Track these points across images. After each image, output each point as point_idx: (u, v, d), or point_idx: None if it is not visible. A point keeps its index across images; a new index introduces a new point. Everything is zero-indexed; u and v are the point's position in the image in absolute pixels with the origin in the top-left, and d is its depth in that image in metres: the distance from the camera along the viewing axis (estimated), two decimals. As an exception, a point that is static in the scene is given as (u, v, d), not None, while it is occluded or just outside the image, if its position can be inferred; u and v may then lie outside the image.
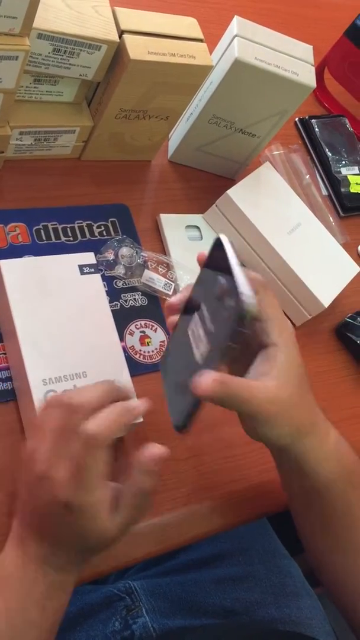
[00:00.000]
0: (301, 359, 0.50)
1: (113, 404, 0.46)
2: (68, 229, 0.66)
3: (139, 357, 0.63)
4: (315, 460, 0.50)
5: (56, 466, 0.43)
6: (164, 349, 0.64)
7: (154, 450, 0.45)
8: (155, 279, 0.66)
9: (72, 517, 0.43)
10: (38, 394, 0.52)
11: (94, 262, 0.60)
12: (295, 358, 0.49)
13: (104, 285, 0.62)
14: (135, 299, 0.66)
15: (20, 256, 0.62)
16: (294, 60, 0.66)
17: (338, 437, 0.52)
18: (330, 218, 0.84)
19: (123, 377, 0.57)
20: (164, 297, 0.67)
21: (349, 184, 0.88)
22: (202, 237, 0.73)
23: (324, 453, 0.50)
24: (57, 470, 0.43)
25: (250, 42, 0.65)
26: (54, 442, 0.44)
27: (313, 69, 0.68)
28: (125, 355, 0.58)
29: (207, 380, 0.43)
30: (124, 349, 0.62)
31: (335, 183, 0.88)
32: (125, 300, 0.65)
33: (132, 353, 0.63)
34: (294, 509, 0.56)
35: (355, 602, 0.53)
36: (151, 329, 0.65)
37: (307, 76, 0.67)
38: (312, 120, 0.91)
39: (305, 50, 0.68)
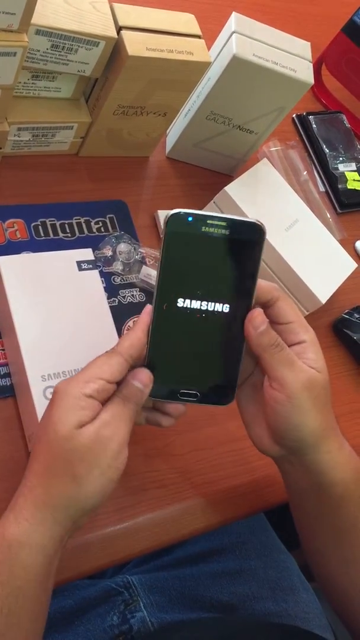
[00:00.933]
0: None
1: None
2: (66, 225, 0.66)
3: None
4: (334, 466, 0.48)
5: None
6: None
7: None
8: (153, 275, 0.66)
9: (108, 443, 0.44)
10: (37, 390, 0.52)
11: (92, 258, 0.60)
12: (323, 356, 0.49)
13: (102, 281, 0.62)
14: (133, 295, 0.66)
15: (19, 252, 0.62)
16: (291, 56, 0.67)
17: (350, 447, 0.51)
18: (328, 214, 0.85)
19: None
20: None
21: (346, 180, 0.88)
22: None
23: (342, 458, 0.49)
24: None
25: (249, 38, 0.65)
26: None
27: (311, 66, 0.68)
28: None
29: (260, 317, 0.46)
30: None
31: (332, 179, 0.88)
32: (123, 297, 0.65)
33: (130, 349, 0.63)
34: (304, 526, 0.54)
35: None
36: (149, 325, 0.65)
37: (305, 73, 0.67)
38: (310, 116, 0.91)
39: (303, 47, 0.69)
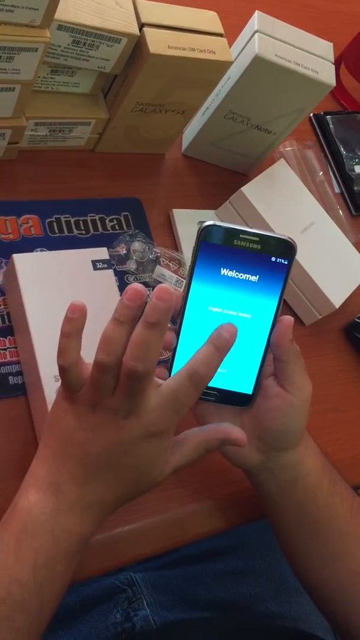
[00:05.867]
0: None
1: None
2: (80, 222, 0.66)
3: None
4: (309, 454, 0.53)
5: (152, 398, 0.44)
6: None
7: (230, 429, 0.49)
8: (167, 276, 0.66)
9: (151, 445, 0.45)
10: (49, 389, 0.52)
11: (107, 257, 0.60)
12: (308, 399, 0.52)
13: (116, 280, 0.62)
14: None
15: (33, 249, 0.62)
16: (314, 57, 0.66)
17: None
18: (343, 216, 0.84)
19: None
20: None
21: (362, 182, 0.88)
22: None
23: (310, 446, 0.54)
24: (157, 400, 0.44)
25: (271, 38, 0.64)
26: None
27: (333, 67, 0.67)
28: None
29: (291, 327, 0.48)
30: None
31: (348, 181, 0.87)
32: (137, 296, 0.65)
33: (142, 349, 0.62)
34: (282, 528, 0.56)
35: (345, 611, 0.54)
36: (161, 325, 0.65)
37: (327, 74, 0.66)
38: (327, 116, 0.90)
39: (325, 48, 0.68)
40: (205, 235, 0.46)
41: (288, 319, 0.49)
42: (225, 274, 0.47)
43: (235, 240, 0.46)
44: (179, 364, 0.49)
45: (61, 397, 0.47)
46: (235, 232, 0.46)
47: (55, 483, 0.45)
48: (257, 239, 0.46)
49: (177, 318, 0.49)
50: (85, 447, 0.45)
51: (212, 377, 0.45)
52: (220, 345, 0.45)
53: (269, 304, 0.48)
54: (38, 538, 0.44)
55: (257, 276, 0.47)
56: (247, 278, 0.47)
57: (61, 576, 0.45)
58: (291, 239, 0.47)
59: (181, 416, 0.45)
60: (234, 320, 0.48)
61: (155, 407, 0.44)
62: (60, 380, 0.53)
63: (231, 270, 0.47)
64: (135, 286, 0.44)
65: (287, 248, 0.47)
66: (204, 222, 0.46)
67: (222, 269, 0.47)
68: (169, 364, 0.49)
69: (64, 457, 0.46)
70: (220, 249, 0.46)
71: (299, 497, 0.53)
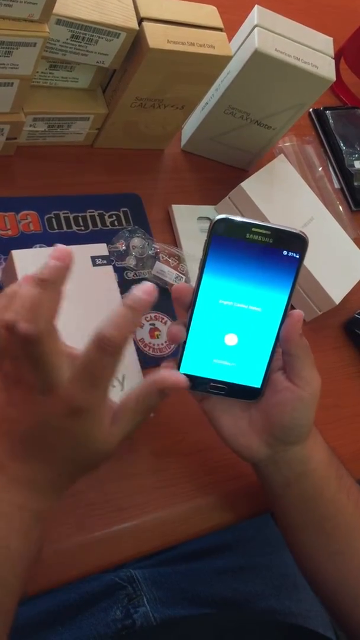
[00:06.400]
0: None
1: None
2: (80, 218, 0.66)
3: (149, 349, 0.62)
4: (317, 449, 0.53)
5: (65, 370, 0.42)
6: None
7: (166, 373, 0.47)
8: (166, 272, 0.66)
9: (78, 423, 0.42)
10: (49, 386, 0.52)
11: (107, 253, 0.60)
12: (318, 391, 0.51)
13: (115, 276, 0.61)
14: (145, 290, 0.65)
15: (31, 245, 0.62)
16: (313, 52, 0.65)
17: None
18: (342, 212, 0.84)
19: (133, 370, 0.57)
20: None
21: (361, 177, 0.87)
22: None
23: (318, 442, 0.53)
24: (70, 374, 0.41)
25: (271, 32, 0.63)
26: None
27: (333, 62, 0.66)
28: (134, 348, 0.58)
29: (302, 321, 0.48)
30: (134, 342, 0.61)
31: (347, 176, 0.87)
32: (136, 292, 0.65)
33: (142, 346, 0.62)
34: (289, 524, 0.56)
35: (351, 607, 0.54)
36: (161, 321, 0.64)
37: (327, 69, 0.65)
38: (327, 111, 0.90)
39: (325, 42, 0.67)
40: (217, 228, 0.46)
41: (298, 313, 0.49)
42: (237, 267, 0.47)
43: (247, 234, 0.46)
44: (188, 358, 0.49)
45: None
46: (247, 226, 0.46)
47: None
48: (269, 232, 0.46)
49: (187, 311, 0.49)
50: (12, 424, 0.43)
51: (125, 341, 0.42)
52: (134, 304, 0.42)
53: (280, 297, 0.48)
54: None
55: (268, 270, 0.47)
56: (258, 272, 0.47)
57: (18, 554, 0.43)
58: (303, 232, 0.47)
59: (102, 388, 0.43)
60: (245, 313, 0.48)
61: (70, 380, 0.41)
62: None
63: (242, 263, 0.47)
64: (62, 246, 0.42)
65: (298, 242, 0.47)
66: (216, 216, 0.46)
67: (233, 262, 0.47)
68: (178, 358, 0.49)
69: (0, 434, 0.44)
70: (231, 243, 0.46)
71: (306, 493, 0.53)
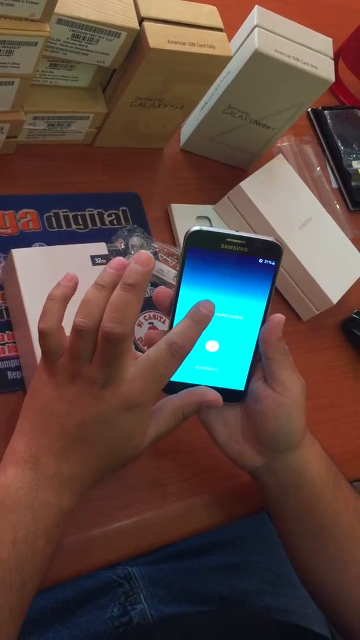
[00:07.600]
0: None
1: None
2: (79, 216, 0.66)
3: (147, 348, 0.62)
4: (312, 459, 0.52)
5: (129, 367, 0.44)
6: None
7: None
8: (165, 271, 0.66)
9: (129, 418, 0.44)
10: (48, 385, 0.52)
11: (106, 252, 0.60)
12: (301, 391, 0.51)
13: (114, 275, 0.62)
14: (144, 289, 0.66)
15: (31, 243, 0.62)
16: (313, 52, 0.66)
17: (318, 443, 0.54)
18: (340, 212, 0.84)
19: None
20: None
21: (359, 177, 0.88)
22: (212, 229, 0.73)
23: (315, 451, 0.53)
24: (136, 371, 0.44)
25: (271, 33, 0.64)
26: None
27: (332, 63, 0.67)
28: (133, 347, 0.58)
29: (280, 325, 0.48)
30: (133, 341, 0.61)
31: (345, 176, 0.87)
32: (135, 291, 0.65)
33: (141, 344, 0.63)
34: (287, 531, 0.56)
35: (348, 612, 0.54)
36: (160, 320, 0.65)
37: (326, 70, 0.66)
38: (325, 111, 0.90)
39: (324, 43, 0.67)
40: (192, 241, 0.46)
41: (278, 316, 0.49)
42: (214, 277, 0.47)
43: (222, 244, 0.47)
44: None
45: (41, 369, 0.47)
46: (222, 236, 0.46)
47: (33, 457, 0.44)
48: (244, 242, 0.47)
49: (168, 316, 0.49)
50: (63, 419, 0.44)
51: (190, 350, 0.45)
52: (198, 319, 0.45)
53: (258, 304, 0.49)
54: (17, 513, 0.43)
55: (245, 278, 0.48)
56: (235, 280, 0.48)
57: (42, 551, 0.44)
58: (277, 240, 0.48)
59: (159, 387, 0.45)
60: (224, 321, 0.49)
61: (134, 377, 0.44)
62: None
63: (219, 273, 0.47)
64: (119, 258, 0.45)
65: (273, 249, 0.47)
66: (190, 228, 0.47)
67: (210, 273, 0.47)
68: None
69: (42, 430, 0.45)
70: (207, 254, 0.47)
71: (302, 503, 0.53)
